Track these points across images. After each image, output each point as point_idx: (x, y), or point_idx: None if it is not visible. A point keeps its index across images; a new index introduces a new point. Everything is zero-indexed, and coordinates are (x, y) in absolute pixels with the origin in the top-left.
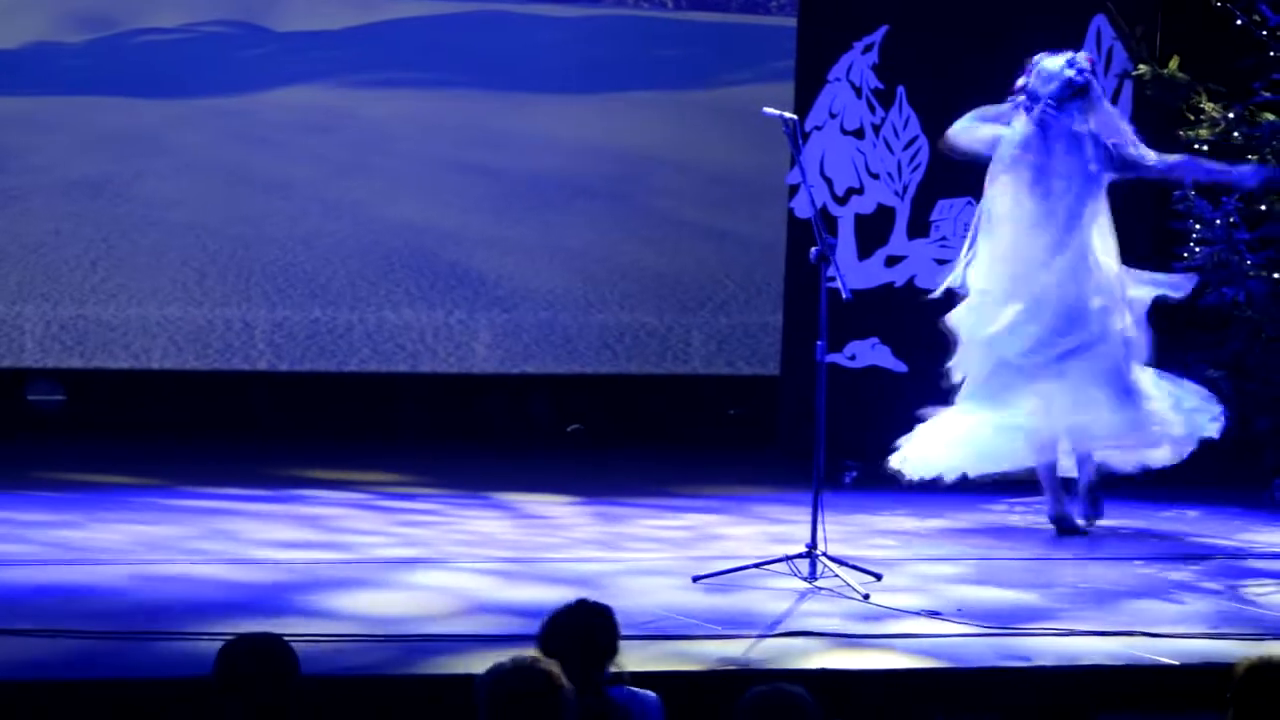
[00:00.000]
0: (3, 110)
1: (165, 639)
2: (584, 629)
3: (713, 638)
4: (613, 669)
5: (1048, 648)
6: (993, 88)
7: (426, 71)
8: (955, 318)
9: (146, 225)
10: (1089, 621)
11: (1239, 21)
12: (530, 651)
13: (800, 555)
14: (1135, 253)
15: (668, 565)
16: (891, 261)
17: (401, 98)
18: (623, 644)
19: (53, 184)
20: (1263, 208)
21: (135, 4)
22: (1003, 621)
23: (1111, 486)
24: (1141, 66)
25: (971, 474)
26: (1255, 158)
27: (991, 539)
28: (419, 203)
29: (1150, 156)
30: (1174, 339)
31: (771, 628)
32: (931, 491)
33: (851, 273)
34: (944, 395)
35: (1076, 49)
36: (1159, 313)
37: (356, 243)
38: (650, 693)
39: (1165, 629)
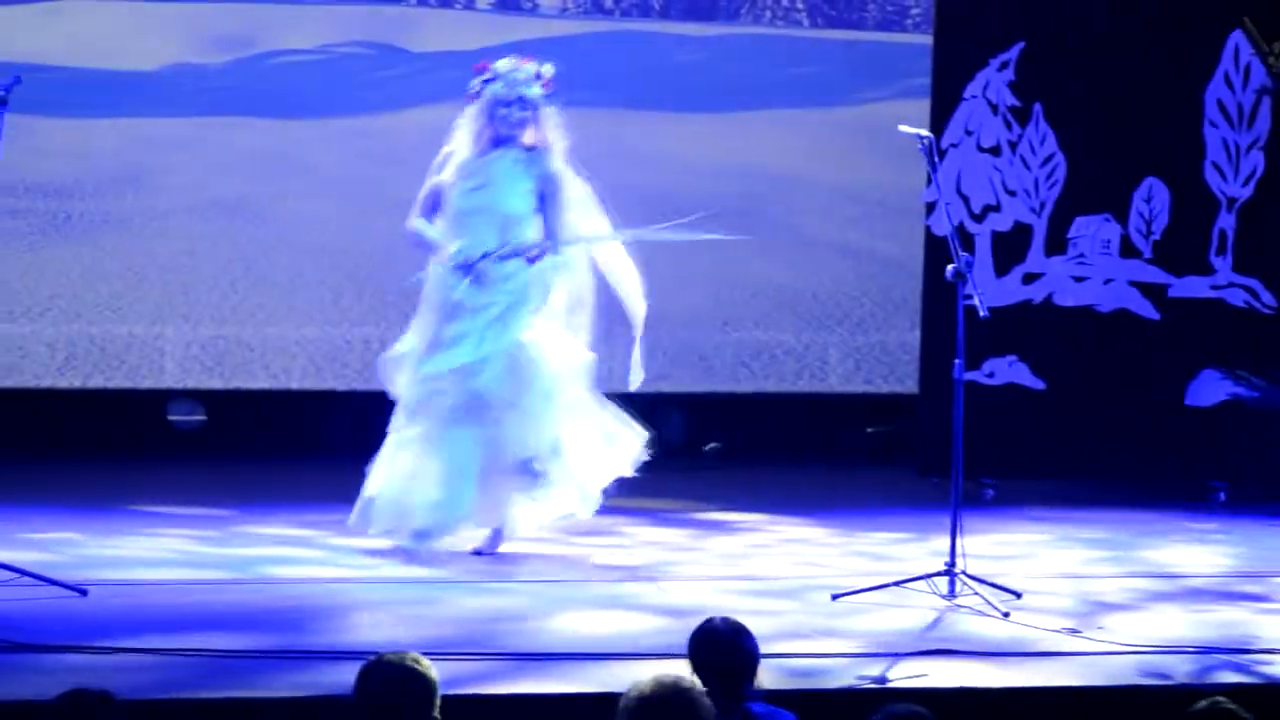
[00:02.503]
0: (142, 131)
1: (308, 658)
2: (725, 646)
3: (852, 656)
4: (755, 685)
5: (1186, 666)
6: (1129, 104)
7: (562, 90)
8: None
9: (284, 245)
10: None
11: None
12: (671, 670)
13: (939, 574)
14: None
15: (808, 583)
16: (1029, 279)
17: None
18: (761, 662)
19: (191, 205)
20: None
21: (274, 26)
22: (1143, 640)
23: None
24: None
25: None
26: None
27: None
28: None
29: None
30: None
31: (910, 646)
32: (1075, 506)
33: (989, 290)
34: (1083, 412)
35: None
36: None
37: None
38: (788, 711)
39: None
